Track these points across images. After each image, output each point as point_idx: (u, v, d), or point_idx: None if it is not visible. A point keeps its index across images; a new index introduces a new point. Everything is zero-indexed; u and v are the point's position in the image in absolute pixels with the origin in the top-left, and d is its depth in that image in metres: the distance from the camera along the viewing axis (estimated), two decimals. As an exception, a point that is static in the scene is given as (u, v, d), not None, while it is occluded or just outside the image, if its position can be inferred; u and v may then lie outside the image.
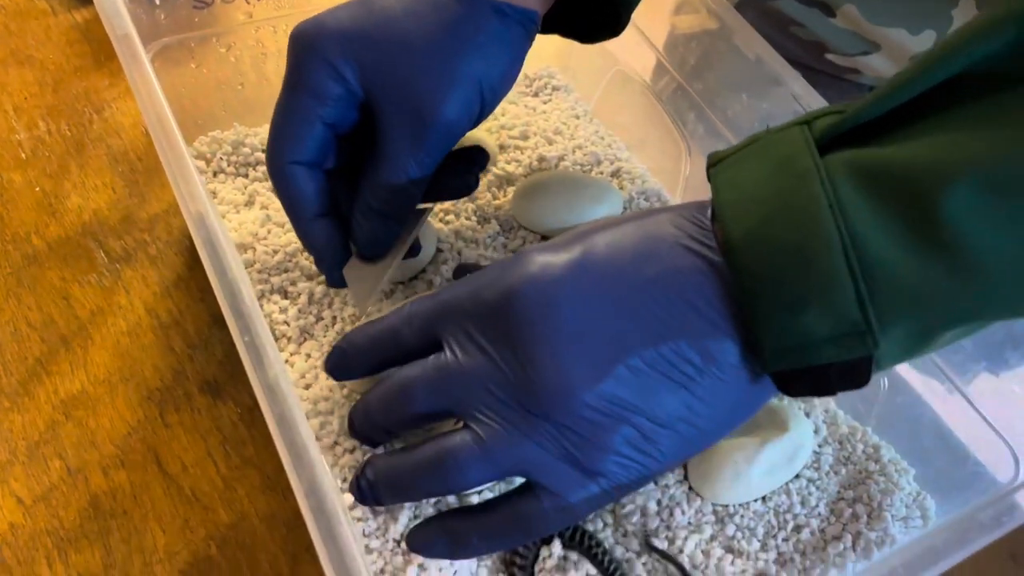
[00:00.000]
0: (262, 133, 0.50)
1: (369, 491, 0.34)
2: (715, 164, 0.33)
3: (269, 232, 0.46)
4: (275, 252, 0.45)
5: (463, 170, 0.41)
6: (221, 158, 0.49)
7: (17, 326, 0.46)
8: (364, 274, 0.39)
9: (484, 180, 0.51)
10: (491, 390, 0.31)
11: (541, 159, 0.52)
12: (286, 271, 0.44)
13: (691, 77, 0.53)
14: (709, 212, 0.32)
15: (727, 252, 0.30)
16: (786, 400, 0.43)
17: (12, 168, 0.53)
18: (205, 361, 0.46)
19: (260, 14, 0.47)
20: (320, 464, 0.31)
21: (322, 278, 0.44)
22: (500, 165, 0.52)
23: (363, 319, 0.42)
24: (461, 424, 0.33)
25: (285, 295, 0.44)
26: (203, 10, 0.44)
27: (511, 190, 0.51)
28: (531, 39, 0.40)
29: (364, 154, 0.38)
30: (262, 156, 0.50)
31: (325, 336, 0.43)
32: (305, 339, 0.43)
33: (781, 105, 0.48)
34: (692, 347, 0.30)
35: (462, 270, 0.43)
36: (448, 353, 0.33)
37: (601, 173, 0.53)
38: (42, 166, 0.53)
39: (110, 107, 0.57)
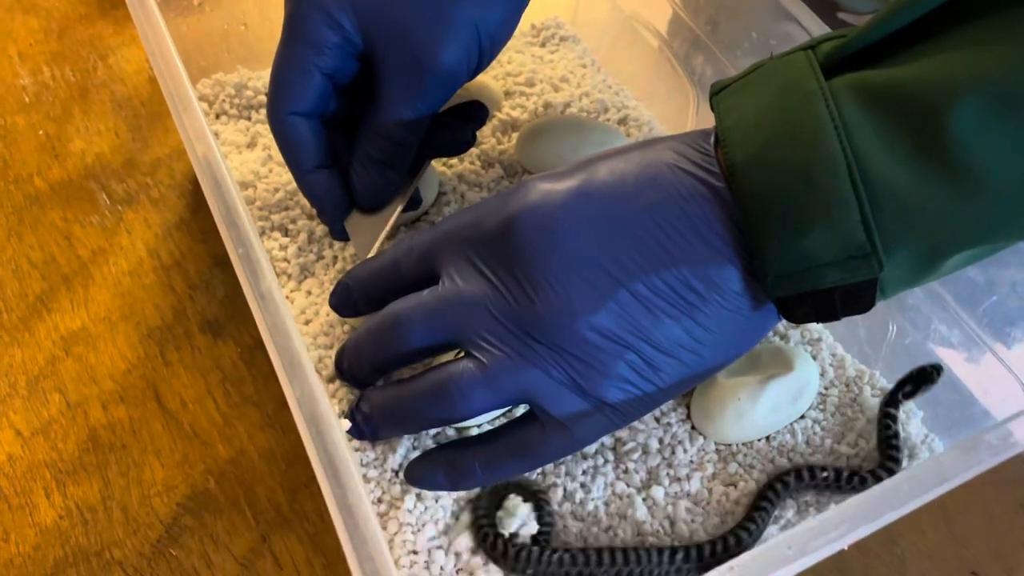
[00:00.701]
0: (265, 77, 0.50)
1: (365, 424, 0.34)
2: (718, 92, 0.32)
3: (271, 171, 0.45)
4: (276, 190, 0.44)
5: (460, 126, 0.40)
6: (224, 100, 0.49)
7: (18, 264, 0.46)
8: (365, 225, 0.39)
9: (488, 125, 0.50)
10: (493, 316, 0.31)
11: (547, 105, 0.51)
12: (286, 209, 0.44)
13: (703, 24, 0.52)
14: (712, 138, 0.31)
15: (730, 176, 0.30)
16: (792, 342, 0.43)
17: (15, 112, 0.53)
18: (206, 301, 0.46)
19: (263, -48, 0.47)
20: (322, 396, 0.30)
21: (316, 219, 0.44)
22: (505, 110, 0.51)
23: None
24: (461, 355, 0.32)
25: (286, 233, 0.44)
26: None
27: (515, 135, 0.50)
28: None
29: (363, 104, 0.38)
30: (264, 99, 0.49)
31: (326, 274, 0.42)
32: (305, 276, 0.42)
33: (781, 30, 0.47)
34: (695, 273, 0.30)
35: None
36: (447, 281, 0.32)
37: (608, 120, 0.52)
38: (45, 110, 0.53)
39: (114, 54, 0.57)
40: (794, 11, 0.47)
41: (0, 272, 0.45)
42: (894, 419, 0.38)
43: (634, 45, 0.57)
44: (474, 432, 0.37)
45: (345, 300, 0.36)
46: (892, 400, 0.39)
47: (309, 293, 0.42)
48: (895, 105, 0.27)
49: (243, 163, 0.46)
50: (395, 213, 0.39)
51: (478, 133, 0.49)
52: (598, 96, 0.53)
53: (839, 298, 0.29)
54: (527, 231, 0.31)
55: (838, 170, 0.27)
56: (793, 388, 0.39)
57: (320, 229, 0.44)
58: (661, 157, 0.32)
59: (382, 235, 0.39)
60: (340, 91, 0.38)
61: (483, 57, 0.38)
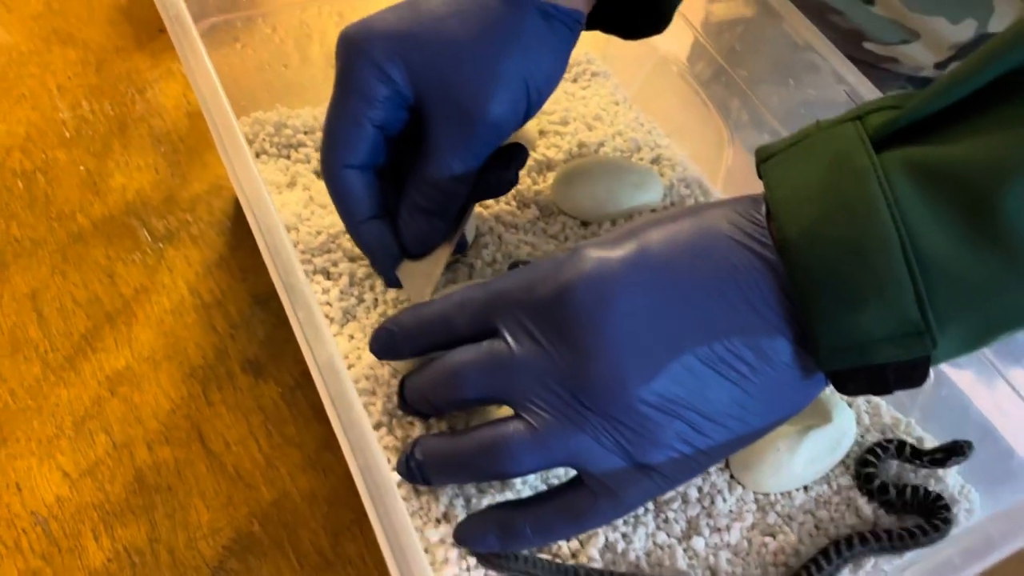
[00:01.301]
0: (304, 115, 0.51)
1: (417, 470, 0.35)
2: (766, 159, 0.33)
3: (312, 213, 0.46)
4: (318, 233, 0.45)
5: (503, 167, 0.41)
6: (264, 139, 0.50)
7: (63, 302, 0.47)
8: (417, 271, 0.40)
9: (525, 165, 0.51)
10: (546, 382, 0.32)
11: (581, 145, 0.52)
12: (328, 252, 0.45)
13: (733, 62, 0.52)
14: (763, 208, 0.32)
15: (783, 250, 0.30)
16: (828, 389, 0.43)
17: (56, 146, 0.53)
18: (247, 341, 0.46)
19: (306, -5, 0.48)
20: (374, 442, 0.31)
21: (364, 259, 0.45)
22: (540, 150, 0.51)
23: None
24: (512, 412, 0.33)
25: (328, 276, 0.44)
26: (250, -10, 0.45)
27: (551, 175, 0.50)
28: (576, 37, 0.40)
29: (410, 153, 0.38)
30: (304, 138, 0.50)
31: (367, 318, 0.43)
32: (347, 320, 0.43)
33: (825, 90, 0.48)
34: (746, 344, 0.30)
35: (516, 267, 0.43)
36: (502, 342, 0.33)
37: (641, 159, 0.52)
38: (86, 145, 0.54)
39: (152, 88, 0.57)
40: (816, 45, 0.47)
41: (46, 310, 0.46)
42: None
43: (664, 79, 0.57)
44: (517, 483, 0.38)
45: (388, 346, 0.37)
46: (918, 457, 0.40)
47: (351, 337, 0.42)
48: (947, 184, 0.28)
49: (284, 204, 0.46)
50: (446, 258, 0.40)
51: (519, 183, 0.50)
52: (631, 135, 0.53)
53: (892, 373, 0.29)
54: (581, 300, 0.31)
55: (892, 248, 0.28)
56: (831, 438, 0.39)
57: (361, 271, 0.44)
58: (714, 227, 0.32)
59: (434, 281, 0.39)
60: (389, 141, 0.38)
61: (531, 108, 0.39)
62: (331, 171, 0.37)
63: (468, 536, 0.34)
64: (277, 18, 0.48)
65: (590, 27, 0.44)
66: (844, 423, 0.40)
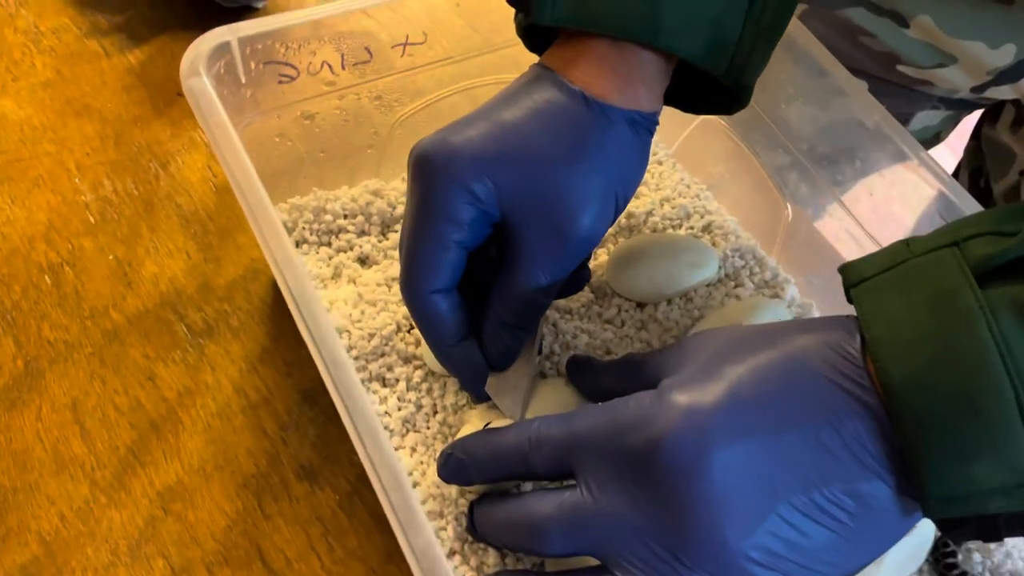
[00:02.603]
0: (342, 197, 0.48)
1: None
2: (856, 284, 0.32)
3: (363, 313, 0.44)
4: (371, 336, 0.43)
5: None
6: (303, 227, 0.48)
7: (105, 411, 0.45)
8: (505, 386, 0.39)
9: (573, 241, 0.49)
10: (640, 538, 0.31)
11: (629, 216, 0.50)
12: (383, 356, 0.43)
13: (779, 121, 0.50)
14: (857, 342, 0.31)
15: (886, 395, 0.29)
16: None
17: (82, 234, 0.51)
18: (298, 443, 0.45)
19: (344, 82, 0.45)
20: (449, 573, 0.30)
21: (418, 361, 0.43)
22: (589, 225, 0.50)
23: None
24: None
25: (383, 382, 0.43)
26: (288, 83, 0.42)
27: (601, 253, 0.49)
28: (653, 133, 0.39)
29: (485, 263, 0.37)
30: (344, 223, 0.48)
31: (428, 427, 0.41)
32: (407, 431, 0.41)
33: (843, 115, 0.46)
34: (845, 492, 0.30)
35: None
36: (587, 493, 0.32)
37: (691, 228, 0.51)
38: (112, 230, 0.51)
39: (175, 161, 0.55)
40: (848, 89, 0.46)
41: (88, 422, 0.44)
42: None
43: (706, 136, 0.55)
44: None
45: (458, 474, 0.36)
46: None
47: (414, 450, 0.41)
48: None
49: (332, 303, 0.45)
50: (532, 367, 0.40)
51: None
52: (679, 201, 0.52)
53: (1004, 522, 0.29)
54: (677, 455, 0.30)
55: (1005, 400, 0.27)
56: (912, 546, 0.39)
57: (417, 375, 0.43)
58: (808, 364, 0.31)
59: (525, 390, 0.39)
60: (468, 257, 0.37)
61: (617, 213, 0.38)
62: (417, 297, 0.36)
63: None
64: (314, 106, 0.46)
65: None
66: (926, 528, 0.39)
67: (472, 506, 0.37)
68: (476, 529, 0.36)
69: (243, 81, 0.41)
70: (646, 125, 0.37)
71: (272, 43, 0.40)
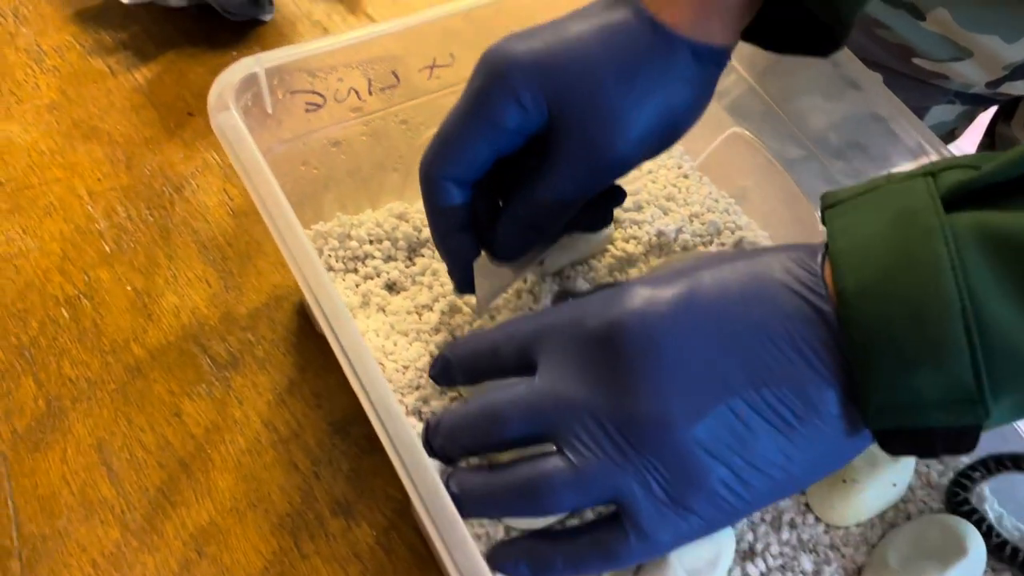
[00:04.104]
0: (367, 222, 0.47)
1: (454, 504, 0.34)
2: (831, 206, 0.32)
3: (395, 344, 0.43)
4: (405, 368, 0.42)
5: (602, 204, 0.41)
6: (329, 254, 0.46)
7: (132, 451, 0.44)
8: (490, 271, 0.40)
9: (603, 262, 0.48)
10: (590, 418, 0.31)
11: (660, 234, 0.49)
12: (418, 388, 0.42)
13: (763, 80, 0.50)
14: (819, 258, 0.31)
15: (839, 302, 0.30)
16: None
17: (98, 264, 0.50)
18: (332, 477, 0.44)
19: (370, 107, 0.44)
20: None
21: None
22: (619, 244, 0.49)
23: (478, 321, 0.42)
24: (553, 448, 0.33)
25: (419, 416, 0.42)
26: (315, 111, 0.41)
27: (633, 272, 0.48)
28: (722, 69, 0.39)
29: (514, 163, 0.38)
30: (370, 248, 0.47)
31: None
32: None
33: (858, 108, 0.46)
34: (794, 393, 0.30)
35: (562, 295, 0.43)
36: (546, 376, 0.33)
37: (723, 244, 0.50)
38: (129, 259, 0.50)
39: (189, 184, 0.53)
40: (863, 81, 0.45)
41: (115, 463, 0.43)
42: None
43: (732, 147, 0.54)
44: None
45: (444, 373, 0.37)
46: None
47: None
48: (1018, 253, 0.27)
49: (363, 333, 0.43)
50: (524, 272, 0.41)
51: (596, 275, 0.47)
52: (709, 217, 0.51)
53: (939, 437, 0.29)
54: (630, 339, 0.31)
55: (953, 314, 0.27)
56: (969, 571, 0.38)
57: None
58: (768, 272, 0.32)
59: (504, 290, 0.40)
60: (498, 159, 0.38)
61: (665, 142, 0.38)
62: (431, 180, 0.37)
63: (501, 562, 0.34)
64: (340, 133, 0.44)
65: (749, 40, 0.41)
66: (978, 551, 0.39)
67: (426, 426, 0.36)
68: (431, 447, 0.35)
69: (270, 111, 0.40)
70: (713, 59, 0.37)
71: (299, 72, 0.39)
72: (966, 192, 0.29)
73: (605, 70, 0.35)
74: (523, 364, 0.34)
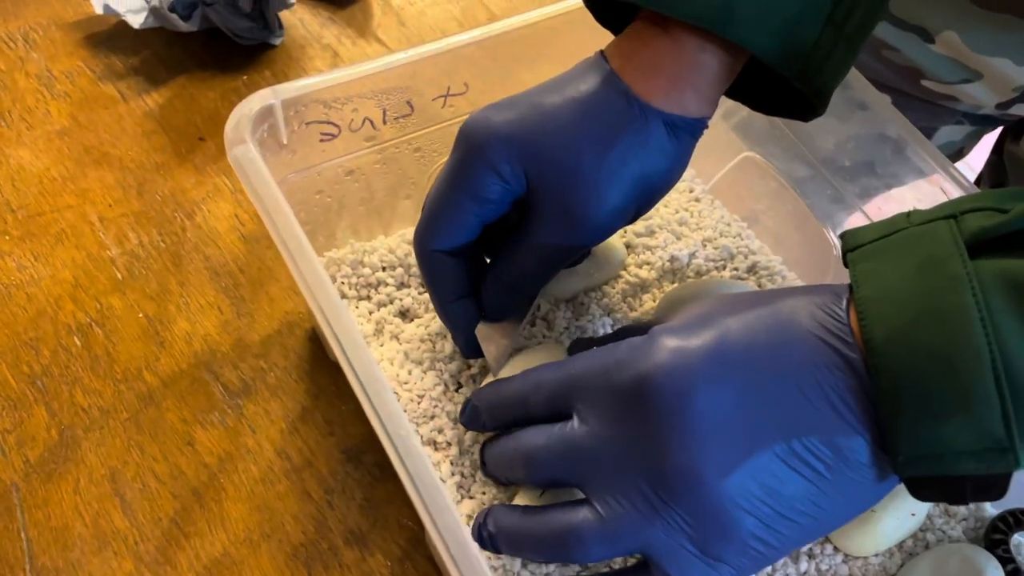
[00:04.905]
0: (380, 248, 0.47)
1: (489, 541, 0.35)
2: (853, 249, 0.32)
3: (410, 374, 0.43)
4: (420, 398, 0.42)
5: None
6: (342, 281, 0.46)
7: (145, 481, 0.43)
8: (493, 333, 0.41)
9: (616, 287, 0.48)
10: (619, 471, 0.32)
11: (673, 259, 0.49)
12: (433, 418, 0.42)
13: (823, 158, 0.50)
14: (844, 302, 0.31)
15: (868, 351, 0.30)
16: (966, 533, 0.41)
17: (110, 291, 0.49)
18: (345, 507, 0.44)
19: (384, 136, 0.44)
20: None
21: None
22: (632, 270, 0.49)
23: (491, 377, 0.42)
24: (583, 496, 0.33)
25: (435, 446, 0.41)
26: (330, 141, 0.41)
27: (646, 298, 0.48)
28: (699, 137, 0.39)
29: (500, 226, 0.39)
30: (383, 275, 0.47)
31: (483, 493, 0.40)
32: (462, 497, 0.40)
33: (866, 128, 0.46)
34: (824, 443, 0.30)
35: (578, 345, 0.43)
36: (576, 426, 0.33)
37: (736, 269, 0.50)
38: (140, 287, 0.50)
39: (200, 210, 0.53)
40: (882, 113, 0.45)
41: (128, 493, 0.43)
42: None
43: (744, 171, 0.54)
44: None
45: (474, 419, 0.38)
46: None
47: (469, 518, 0.39)
48: None
49: (377, 362, 0.43)
50: (524, 328, 0.42)
51: (609, 302, 0.47)
52: (722, 241, 0.51)
53: (970, 485, 0.29)
54: (660, 392, 0.31)
55: (982, 365, 0.27)
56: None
57: (468, 436, 0.41)
58: (795, 320, 0.32)
59: (510, 346, 0.41)
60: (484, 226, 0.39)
61: (641, 209, 0.39)
62: (424, 253, 0.38)
63: None
64: (354, 162, 0.44)
65: (733, 97, 0.42)
66: (999, 582, 0.38)
67: (483, 444, 0.39)
68: (485, 464, 0.38)
69: (285, 142, 0.40)
70: (687, 129, 0.37)
71: (315, 103, 0.39)
72: (990, 238, 0.29)
73: (581, 141, 0.36)
74: (554, 414, 0.35)
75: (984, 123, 0.74)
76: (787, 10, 0.35)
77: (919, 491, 0.30)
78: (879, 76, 0.69)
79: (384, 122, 0.42)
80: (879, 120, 0.45)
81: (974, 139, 0.77)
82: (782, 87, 0.39)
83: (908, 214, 0.32)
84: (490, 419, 0.38)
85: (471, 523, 0.37)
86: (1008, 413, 0.27)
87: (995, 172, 0.80)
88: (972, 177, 0.87)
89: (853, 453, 0.30)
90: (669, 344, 0.32)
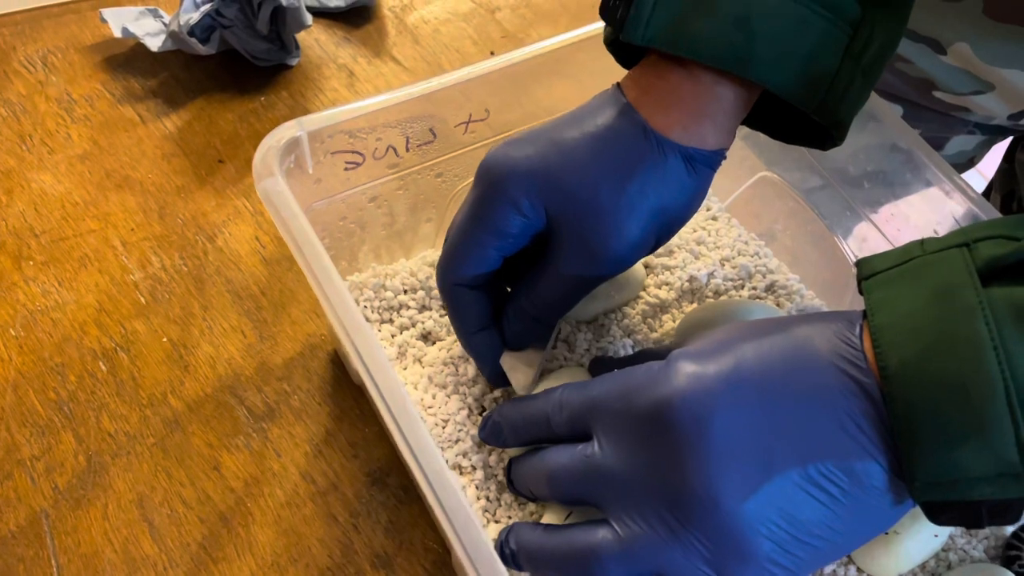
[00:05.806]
0: (401, 271, 0.48)
1: (511, 558, 0.36)
2: (868, 277, 0.33)
3: (434, 398, 0.43)
4: (444, 422, 0.42)
5: None
6: (364, 305, 0.47)
7: (173, 506, 0.44)
8: (517, 361, 0.42)
9: (637, 308, 0.48)
10: (638, 493, 0.32)
11: (691, 279, 0.49)
12: (458, 441, 0.42)
13: (842, 178, 0.50)
14: (858, 330, 0.32)
15: (883, 378, 0.30)
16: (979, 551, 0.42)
17: (134, 316, 0.50)
18: (371, 530, 0.44)
19: (407, 163, 0.44)
20: None
21: (493, 449, 0.42)
22: (651, 291, 0.49)
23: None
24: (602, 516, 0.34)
25: (460, 471, 0.42)
26: (354, 169, 0.41)
27: (666, 318, 0.48)
28: (716, 169, 0.39)
29: (522, 257, 0.40)
30: (405, 298, 0.47)
31: (509, 518, 0.41)
32: (488, 521, 0.41)
33: (877, 139, 0.46)
34: (839, 468, 0.31)
35: (598, 364, 0.44)
36: (597, 449, 0.34)
37: (754, 288, 0.50)
38: (164, 311, 0.50)
39: (222, 233, 0.54)
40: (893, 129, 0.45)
41: (156, 519, 0.43)
42: None
43: (759, 188, 0.54)
44: None
45: (495, 435, 0.39)
46: None
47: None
48: None
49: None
50: (547, 353, 0.43)
51: (629, 323, 0.47)
52: (740, 260, 0.51)
53: (986, 509, 0.29)
54: (678, 417, 0.32)
55: (996, 392, 0.28)
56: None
57: (492, 458, 0.42)
58: (810, 347, 0.32)
59: (536, 373, 0.42)
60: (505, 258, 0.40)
61: (658, 244, 0.40)
62: (447, 287, 0.39)
63: None
64: (377, 189, 0.45)
65: (752, 127, 0.42)
66: None
67: (510, 461, 0.39)
68: (512, 482, 0.39)
69: (310, 172, 0.40)
70: (705, 162, 0.38)
71: (340, 134, 0.39)
72: (1002, 266, 0.30)
73: (599, 176, 0.37)
74: (575, 434, 0.36)
75: (995, 133, 0.74)
76: (805, 46, 0.35)
77: (936, 516, 0.31)
78: (892, 87, 0.69)
79: (407, 149, 0.43)
80: (889, 131, 0.46)
81: (985, 148, 0.77)
82: (800, 116, 0.40)
83: (922, 242, 0.33)
84: (512, 436, 0.38)
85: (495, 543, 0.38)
86: (1021, 439, 0.28)
87: (1006, 180, 0.80)
88: (983, 184, 0.87)
89: (869, 478, 0.31)
90: (687, 369, 0.33)
